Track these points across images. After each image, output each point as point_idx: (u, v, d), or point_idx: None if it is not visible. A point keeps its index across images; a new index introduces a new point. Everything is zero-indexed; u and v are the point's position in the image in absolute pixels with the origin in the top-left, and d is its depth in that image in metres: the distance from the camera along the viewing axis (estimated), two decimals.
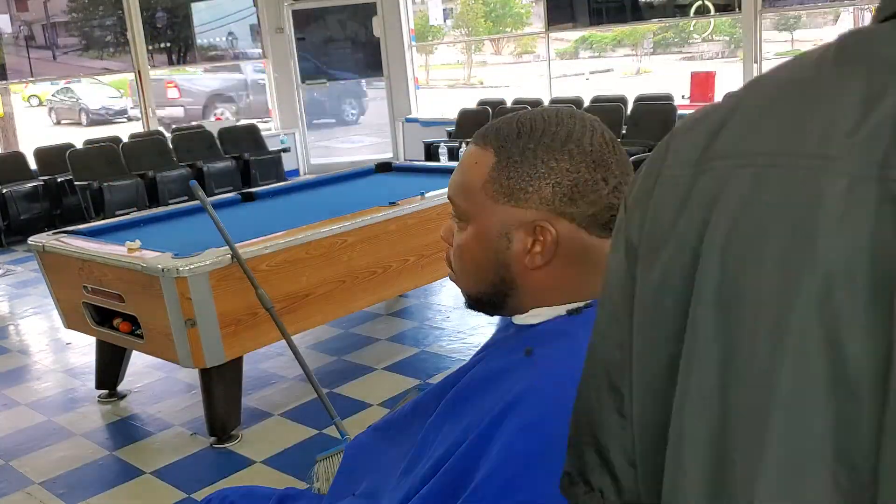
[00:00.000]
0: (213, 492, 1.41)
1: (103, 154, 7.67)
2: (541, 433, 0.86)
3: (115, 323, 3.31)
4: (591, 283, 0.96)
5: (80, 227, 3.81)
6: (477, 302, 1.03)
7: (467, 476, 0.89)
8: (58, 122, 17.10)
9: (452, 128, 8.43)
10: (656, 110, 7.32)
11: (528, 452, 0.86)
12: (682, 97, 8.23)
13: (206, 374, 3.11)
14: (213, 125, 8.81)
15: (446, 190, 1.06)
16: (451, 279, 1.07)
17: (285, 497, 1.28)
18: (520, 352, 0.96)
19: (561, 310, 0.97)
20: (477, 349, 1.11)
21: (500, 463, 0.86)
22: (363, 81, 10.84)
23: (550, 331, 0.97)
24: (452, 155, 7.48)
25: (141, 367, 3.91)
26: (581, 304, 0.97)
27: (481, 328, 4.07)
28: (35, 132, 12.04)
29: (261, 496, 1.31)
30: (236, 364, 3.17)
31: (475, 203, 0.97)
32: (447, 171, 3.92)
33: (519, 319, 1.01)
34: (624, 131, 7.34)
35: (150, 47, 9.15)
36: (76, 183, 7.24)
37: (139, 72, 8.81)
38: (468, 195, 0.98)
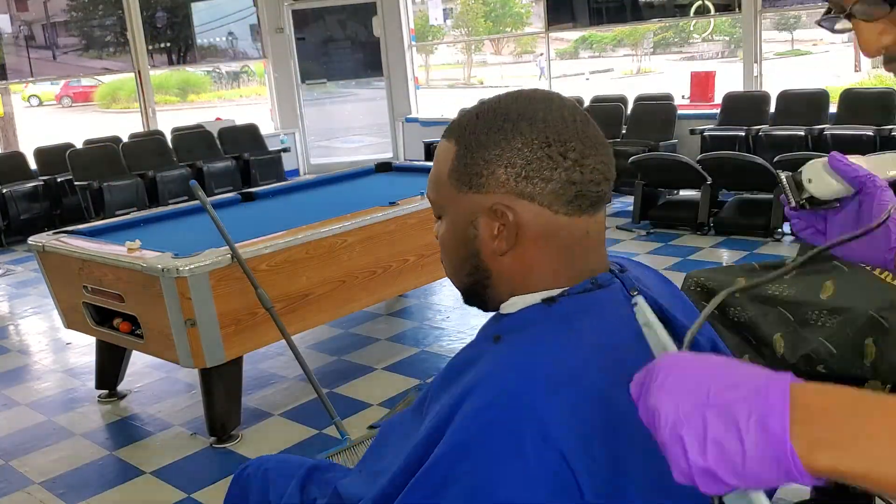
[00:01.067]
0: (249, 460, 1.43)
1: (103, 154, 7.67)
2: (482, 419, 0.83)
3: (115, 323, 3.31)
4: (564, 264, 0.95)
5: (80, 227, 3.81)
6: (466, 295, 1.04)
7: (423, 463, 0.88)
8: None
9: None
10: (656, 110, 7.33)
11: (465, 441, 0.83)
12: (682, 97, 8.23)
13: (206, 374, 3.11)
14: (213, 125, 8.81)
15: None
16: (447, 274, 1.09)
17: (315, 468, 1.30)
18: (491, 340, 0.95)
19: (537, 297, 0.96)
20: None
21: (443, 451, 0.85)
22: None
23: (523, 319, 0.95)
24: None
25: (141, 367, 3.91)
26: (556, 293, 0.95)
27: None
28: (35, 132, 12.03)
29: (295, 464, 1.33)
30: (236, 364, 3.17)
31: (444, 195, 0.99)
32: None
33: (501, 309, 1.00)
34: (624, 131, 7.35)
35: (150, 47, 9.15)
36: (76, 183, 7.24)
37: (139, 72, 8.81)
38: (438, 188, 1.00)
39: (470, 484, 0.81)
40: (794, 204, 1.02)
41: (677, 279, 2.53)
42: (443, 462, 0.84)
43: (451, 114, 8.80)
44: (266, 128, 9.36)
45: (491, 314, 1.03)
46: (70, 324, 3.61)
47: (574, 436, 0.81)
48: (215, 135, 8.46)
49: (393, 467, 0.94)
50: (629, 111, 7.55)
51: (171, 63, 10.24)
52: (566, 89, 9.65)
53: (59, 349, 4.50)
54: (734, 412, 0.58)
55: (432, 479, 0.84)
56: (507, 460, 0.80)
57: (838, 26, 0.86)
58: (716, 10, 8.56)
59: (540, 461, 0.80)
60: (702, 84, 8.29)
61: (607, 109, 7.43)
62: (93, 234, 3.62)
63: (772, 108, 6.88)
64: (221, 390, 3.15)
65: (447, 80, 17.41)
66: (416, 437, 0.93)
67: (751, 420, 0.57)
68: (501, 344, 0.94)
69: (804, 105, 6.65)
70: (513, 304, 0.98)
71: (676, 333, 0.90)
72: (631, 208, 6.22)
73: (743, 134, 6.58)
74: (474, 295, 1.02)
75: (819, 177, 0.98)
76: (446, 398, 0.91)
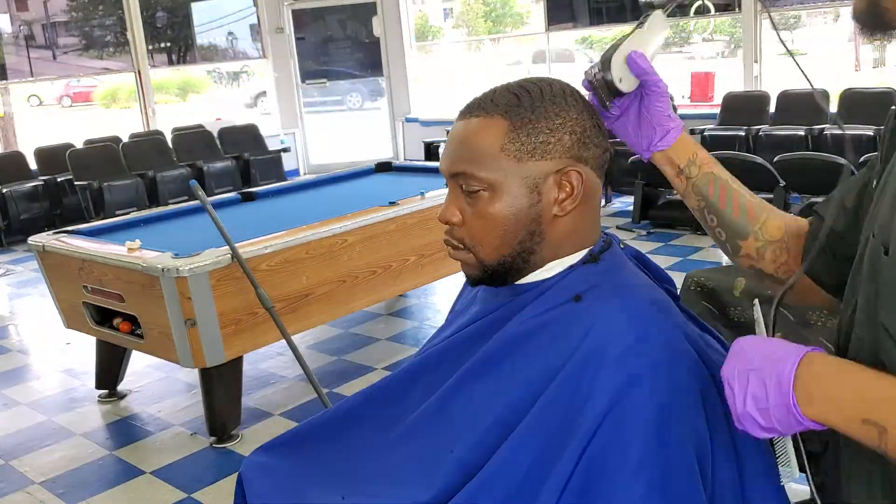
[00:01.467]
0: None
1: (103, 154, 7.67)
2: (658, 388, 0.92)
3: (115, 323, 3.31)
4: (594, 223, 1.07)
5: (80, 226, 3.81)
6: (495, 272, 1.06)
7: (571, 417, 0.92)
8: None
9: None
10: None
11: (659, 409, 0.91)
12: (682, 97, 8.23)
13: (206, 373, 3.11)
14: (213, 125, 8.81)
15: (445, 188, 1.08)
16: (459, 258, 1.08)
17: None
18: (561, 300, 1.02)
19: (573, 259, 1.05)
20: None
21: (632, 435, 0.90)
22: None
23: (584, 277, 1.03)
24: None
25: (141, 366, 3.91)
26: (596, 251, 1.05)
27: None
28: (35, 132, 12.03)
29: None
30: (236, 364, 3.17)
31: (496, 168, 1.01)
32: None
33: (530, 278, 1.06)
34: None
35: (150, 47, 9.15)
36: (76, 183, 7.24)
37: (139, 71, 8.81)
38: (487, 163, 1.01)
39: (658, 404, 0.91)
40: (608, 107, 1.09)
41: (677, 279, 2.53)
42: (633, 448, 0.90)
43: (452, 114, 8.79)
44: (266, 128, 9.36)
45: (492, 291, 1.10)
46: (70, 324, 3.61)
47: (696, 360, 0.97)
48: (215, 135, 8.46)
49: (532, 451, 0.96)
50: None
51: (171, 63, 10.24)
52: None
53: (59, 349, 4.51)
54: (764, 374, 0.81)
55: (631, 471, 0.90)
56: (677, 376, 0.93)
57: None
58: (716, 10, 8.56)
59: (694, 368, 0.95)
60: (702, 84, 8.29)
61: None
62: (93, 234, 3.62)
63: (772, 108, 6.88)
64: (221, 390, 3.15)
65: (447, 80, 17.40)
66: (483, 421, 0.99)
67: (772, 380, 0.80)
68: (590, 300, 1.00)
69: (804, 105, 6.64)
70: (549, 269, 1.06)
71: (658, 276, 1.12)
72: (631, 208, 6.22)
73: (743, 134, 6.58)
74: (510, 268, 1.05)
75: (626, 76, 1.07)
76: (533, 366, 0.98)
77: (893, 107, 1.01)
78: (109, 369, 3.68)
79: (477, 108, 1.04)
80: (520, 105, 1.01)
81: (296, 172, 9.44)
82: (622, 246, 1.10)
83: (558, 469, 0.91)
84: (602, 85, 1.07)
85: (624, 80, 1.07)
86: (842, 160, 5.40)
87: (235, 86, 17.22)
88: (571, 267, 1.05)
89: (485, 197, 1.02)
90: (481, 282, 1.08)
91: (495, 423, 0.99)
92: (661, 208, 6.04)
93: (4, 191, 7.15)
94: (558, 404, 0.94)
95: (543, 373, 0.97)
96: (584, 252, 1.05)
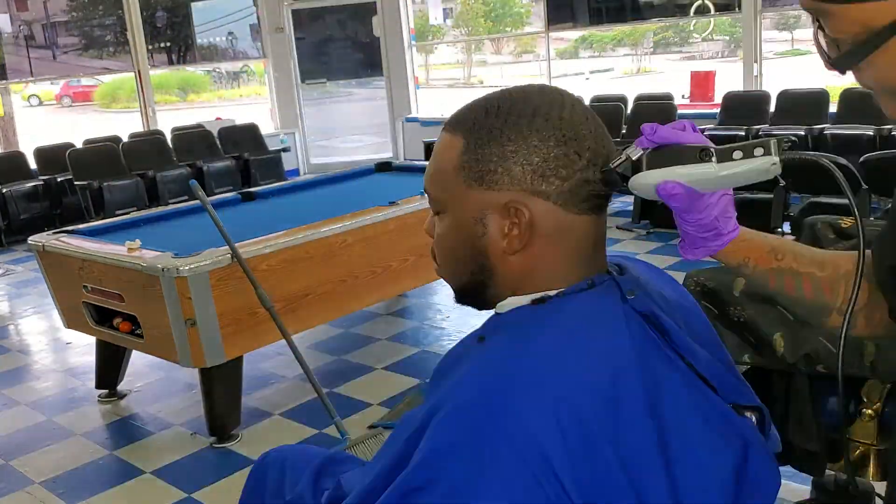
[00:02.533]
0: (269, 449, 1.42)
1: (103, 154, 7.67)
2: (460, 421, 0.82)
3: (115, 322, 3.31)
4: (568, 264, 0.93)
5: (80, 226, 3.81)
6: (461, 294, 1.00)
7: (405, 463, 0.87)
8: None
9: None
10: (656, 109, 7.32)
11: (445, 443, 0.82)
12: (682, 96, 8.24)
13: (206, 373, 3.11)
14: (213, 125, 8.81)
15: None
16: (437, 273, 1.06)
17: (331, 459, 1.30)
18: (476, 340, 0.94)
19: (527, 299, 0.94)
20: None
21: (423, 453, 0.83)
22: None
23: (509, 319, 0.94)
24: None
25: (141, 366, 3.91)
26: (552, 293, 0.93)
27: None
28: (35, 132, 12.03)
29: (312, 455, 1.33)
30: (236, 364, 3.17)
31: (448, 191, 0.94)
32: None
33: (497, 308, 0.98)
34: (624, 130, 7.35)
35: (150, 47, 9.15)
36: (76, 183, 7.24)
37: (139, 71, 8.81)
38: (441, 184, 0.95)
39: (449, 486, 0.80)
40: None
41: (678, 278, 2.53)
42: (423, 464, 0.83)
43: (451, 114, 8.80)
44: (266, 128, 9.36)
45: (486, 312, 1.03)
46: (70, 323, 3.61)
47: (554, 431, 0.79)
48: (215, 135, 8.46)
49: (383, 464, 0.94)
50: (629, 111, 7.55)
51: (171, 63, 10.24)
52: (566, 89, 9.65)
53: (59, 349, 4.51)
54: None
55: (413, 480, 0.83)
56: (485, 462, 0.79)
57: None
58: (716, 10, 8.56)
59: (519, 461, 0.78)
60: (702, 84, 8.31)
61: (607, 109, 7.43)
62: (93, 233, 3.62)
63: (772, 108, 6.88)
64: (221, 390, 3.15)
65: (447, 80, 17.40)
66: (403, 435, 0.92)
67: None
68: (487, 343, 0.92)
69: (804, 105, 6.65)
70: (507, 305, 0.96)
71: (673, 340, 0.91)
72: (631, 208, 6.21)
73: (743, 133, 6.57)
74: (470, 294, 0.99)
75: (651, 193, 0.92)
76: (432, 398, 0.90)
77: None
78: (109, 369, 3.68)
79: (450, 121, 0.96)
80: (484, 121, 0.92)
81: (296, 172, 9.44)
82: (630, 296, 0.92)
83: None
84: (613, 179, 0.92)
85: (646, 194, 0.92)
86: (842, 160, 5.40)
87: (235, 85, 17.23)
88: (521, 307, 0.94)
89: (440, 217, 0.98)
90: (458, 300, 1.03)
91: (399, 449, 0.93)
92: (661, 208, 6.01)
93: (4, 191, 7.15)
94: (406, 444, 0.89)
95: (425, 416, 0.89)
96: (544, 293, 0.93)
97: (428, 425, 0.85)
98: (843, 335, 0.89)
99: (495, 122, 0.91)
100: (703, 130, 5.24)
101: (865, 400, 1.80)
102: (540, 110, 0.91)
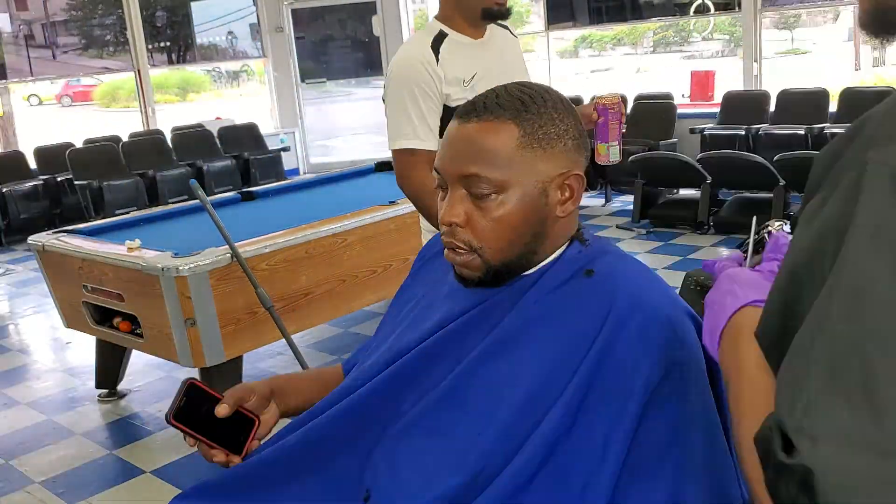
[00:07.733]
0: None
1: (103, 153, 7.67)
2: (664, 307, 1.02)
3: (115, 322, 3.31)
4: (574, 222, 1.13)
5: (80, 226, 3.81)
6: (498, 273, 1.07)
7: (623, 379, 0.98)
8: None
9: None
10: (656, 109, 7.32)
11: (699, 363, 1.01)
12: (682, 96, 8.23)
13: (205, 373, 3.11)
14: (213, 124, 8.80)
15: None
16: (461, 261, 1.07)
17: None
18: (566, 278, 1.07)
19: (560, 250, 1.10)
20: None
21: (688, 389, 0.99)
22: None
23: (591, 255, 1.10)
24: None
25: (141, 366, 3.91)
26: (584, 238, 1.12)
27: None
28: (35, 131, 12.03)
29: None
30: (236, 363, 3.17)
31: (508, 170, 1.04)
32: None
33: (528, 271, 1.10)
34: (624, 130, 7.33)
35: (150, 46, 9.14)
36: (76, 182, 7.24)
37: (139, 71, 8.81)
38: (501, 164, 1.03)
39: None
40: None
41: (677, 278, 2.53)
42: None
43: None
44: (266, 127, 9.36)
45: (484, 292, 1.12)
46: (70, 323, 3.61)
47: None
48: (215, 134, 8.46)
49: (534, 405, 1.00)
50: (629, 110, 7.54)
51: (170, 62, 10.24)
52: (566, 89, 9.65)
53: (59, 348, 4.51)
54: (725, 303, 0.87)
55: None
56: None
57: None
58: (716, 9, 8.56)
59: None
60: (702, 83, 8.30)
61: None
62: (93, 233, 3.62)
63: (772, 108, 6.87)
64: (221, 390, 3.15)
65: None
66: (509, 394, 1.01)
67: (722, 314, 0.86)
68: (600, 268, 1.07)
69: (804, 104, 6.65)
70: (571, 250, 1.12)
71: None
72: (631, 207, 6.22)
73: (743, 133, 6.58)
74: (516, 266, 1.08)
75: None
76: (555, 342, 1.02)
77: None
78: (109, 369, 3.68)
79: (484, 111, 1.05)
80: (527, 109, 1.05)
81: (296, 172, 9.43)
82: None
83: (625, 425, 0.96)
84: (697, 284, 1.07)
85: None
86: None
87: (235, 85, 17.22)
88: (560, 254, 1.10)
89: (495, 199, 1.04)
90: (482, 283, 1.08)
91: (528, 398, 1.00)
92: (661, 207, 6.04)
93: (4, 190, 7.15)
94: (606, 369, 0.98)
95: (573, 345, 1.00)
96: (566, 241, 1.11)
97: (590, 340, 1.00)
98: None
99: (542, 106, 1.06)
100: (702, 130, 5.21)
101: None
102: (562, 98, 1.09)
